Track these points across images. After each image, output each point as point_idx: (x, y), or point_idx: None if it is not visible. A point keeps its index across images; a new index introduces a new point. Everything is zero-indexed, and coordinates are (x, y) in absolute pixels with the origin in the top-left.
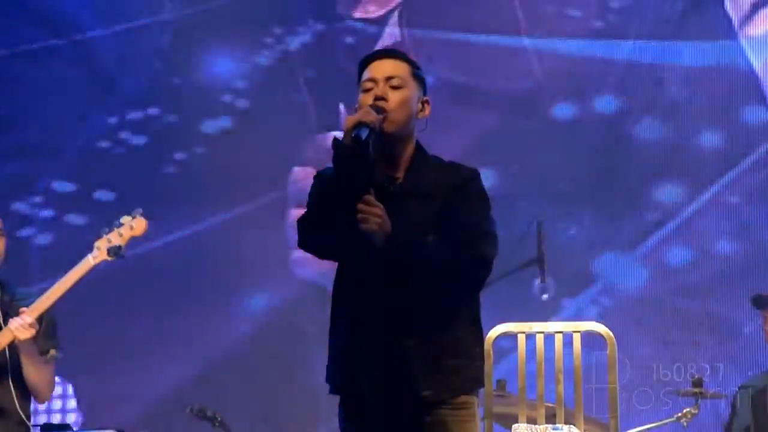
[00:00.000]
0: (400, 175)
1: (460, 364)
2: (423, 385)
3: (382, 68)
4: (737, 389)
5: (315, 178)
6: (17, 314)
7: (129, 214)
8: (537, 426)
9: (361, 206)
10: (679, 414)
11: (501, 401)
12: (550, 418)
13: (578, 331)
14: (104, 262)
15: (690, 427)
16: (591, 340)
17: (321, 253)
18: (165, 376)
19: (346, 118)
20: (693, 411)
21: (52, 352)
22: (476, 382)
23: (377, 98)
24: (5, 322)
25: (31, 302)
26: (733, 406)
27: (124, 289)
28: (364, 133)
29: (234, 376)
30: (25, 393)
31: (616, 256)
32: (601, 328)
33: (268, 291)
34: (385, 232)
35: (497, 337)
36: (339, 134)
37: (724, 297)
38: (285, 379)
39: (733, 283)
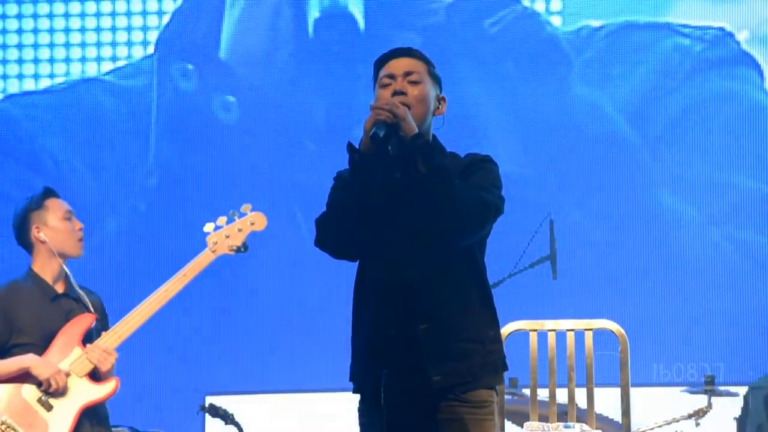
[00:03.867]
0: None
1: (471, 347)
2: (433, 371)
3: (399, 65)
4: (748, 389)
5: (335, 178)
6: (93, 308)
7: (235, 209)
8: (549, 424)
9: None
10: (691, 412)
11: (513, 399)
12: (562, 416)
13: (590, 329)
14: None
15: (703, 425)
16: (603, 337)
17: (337, 253)
18: (176, 373)
19: (366, 121)
20: (705, 409)
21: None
22: (491, 367)
23: (396, 92)
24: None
25: (95, 296)
26: (746, 405)
27: (133, 281)
28: (381, 132)
29: (244, 371)
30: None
31: (628, 254)
32: (613, 326)
33: (273, 285)
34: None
35: (509, 335)
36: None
37: (726, 296)
38: (297, 375)
39: (736, 283)
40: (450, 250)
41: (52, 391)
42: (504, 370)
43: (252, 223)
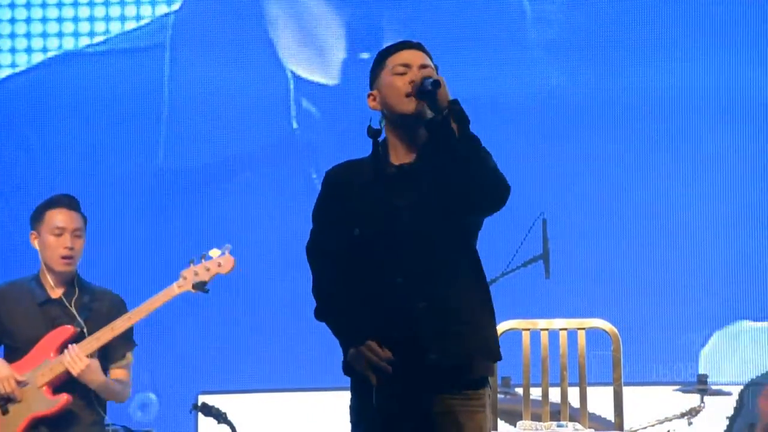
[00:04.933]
0: (414, 157)
1: (467, 330)
2: (429, 349)
3: (415, 56)
4: (743, 386)
5: (323, 183)
6: (96, 315)
7: (219, 247)
8: (542, 423)
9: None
10: (684, 411)
11: (506, 398)
12: (555, 415)
13: (583, 328)
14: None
15: (696, 425)
16: (596, 336)
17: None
18: (169, 371)
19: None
20: (698, 408)
21: (129, 357)
22: (485, 352)
23: (414, 81)
24: (88, 325)
25: (108, 301)
26: (739, 403)
27: (132, 281)
28: (429, 86)
29: (237, 370)
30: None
31: (620, 254)
32: (606, 325)
33: (266, 282)
34: None
35: (502, 334)
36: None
37: (721, 295)
38: (290, 373)
39: (735, 282)
40: (450, 233)
41: (2, 395)
42: (498, 359)
43: (219, 265)
